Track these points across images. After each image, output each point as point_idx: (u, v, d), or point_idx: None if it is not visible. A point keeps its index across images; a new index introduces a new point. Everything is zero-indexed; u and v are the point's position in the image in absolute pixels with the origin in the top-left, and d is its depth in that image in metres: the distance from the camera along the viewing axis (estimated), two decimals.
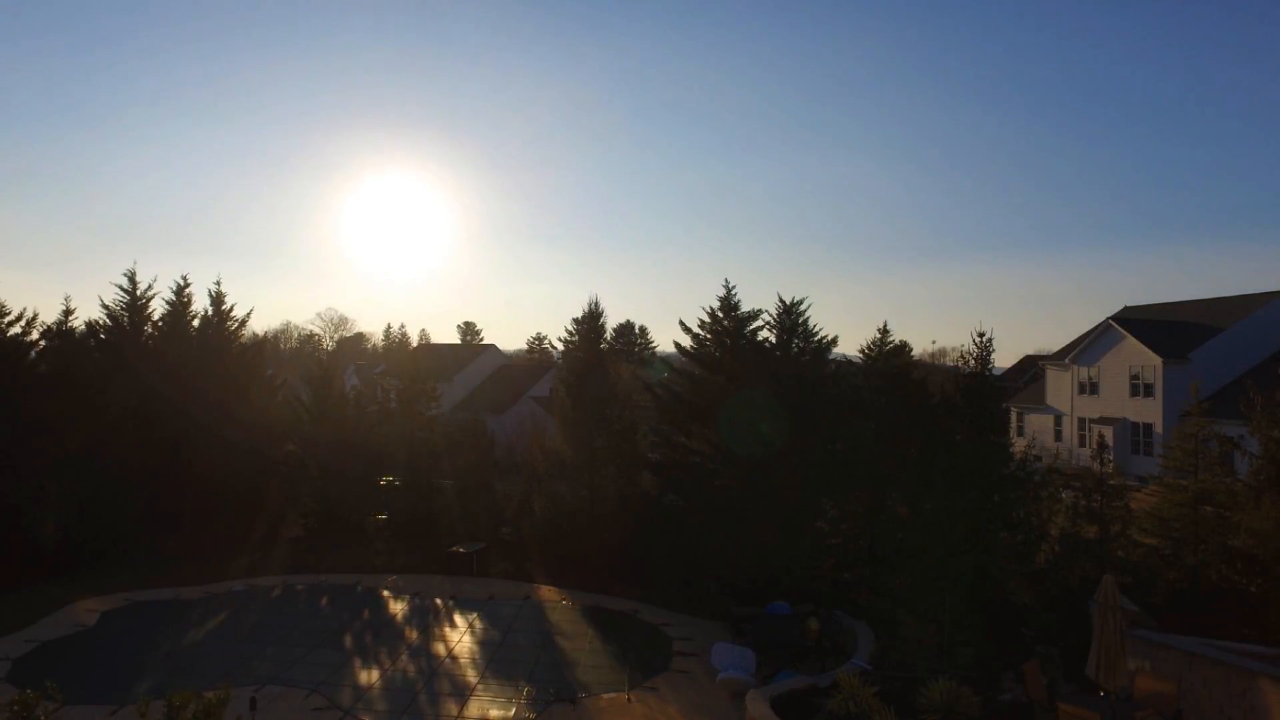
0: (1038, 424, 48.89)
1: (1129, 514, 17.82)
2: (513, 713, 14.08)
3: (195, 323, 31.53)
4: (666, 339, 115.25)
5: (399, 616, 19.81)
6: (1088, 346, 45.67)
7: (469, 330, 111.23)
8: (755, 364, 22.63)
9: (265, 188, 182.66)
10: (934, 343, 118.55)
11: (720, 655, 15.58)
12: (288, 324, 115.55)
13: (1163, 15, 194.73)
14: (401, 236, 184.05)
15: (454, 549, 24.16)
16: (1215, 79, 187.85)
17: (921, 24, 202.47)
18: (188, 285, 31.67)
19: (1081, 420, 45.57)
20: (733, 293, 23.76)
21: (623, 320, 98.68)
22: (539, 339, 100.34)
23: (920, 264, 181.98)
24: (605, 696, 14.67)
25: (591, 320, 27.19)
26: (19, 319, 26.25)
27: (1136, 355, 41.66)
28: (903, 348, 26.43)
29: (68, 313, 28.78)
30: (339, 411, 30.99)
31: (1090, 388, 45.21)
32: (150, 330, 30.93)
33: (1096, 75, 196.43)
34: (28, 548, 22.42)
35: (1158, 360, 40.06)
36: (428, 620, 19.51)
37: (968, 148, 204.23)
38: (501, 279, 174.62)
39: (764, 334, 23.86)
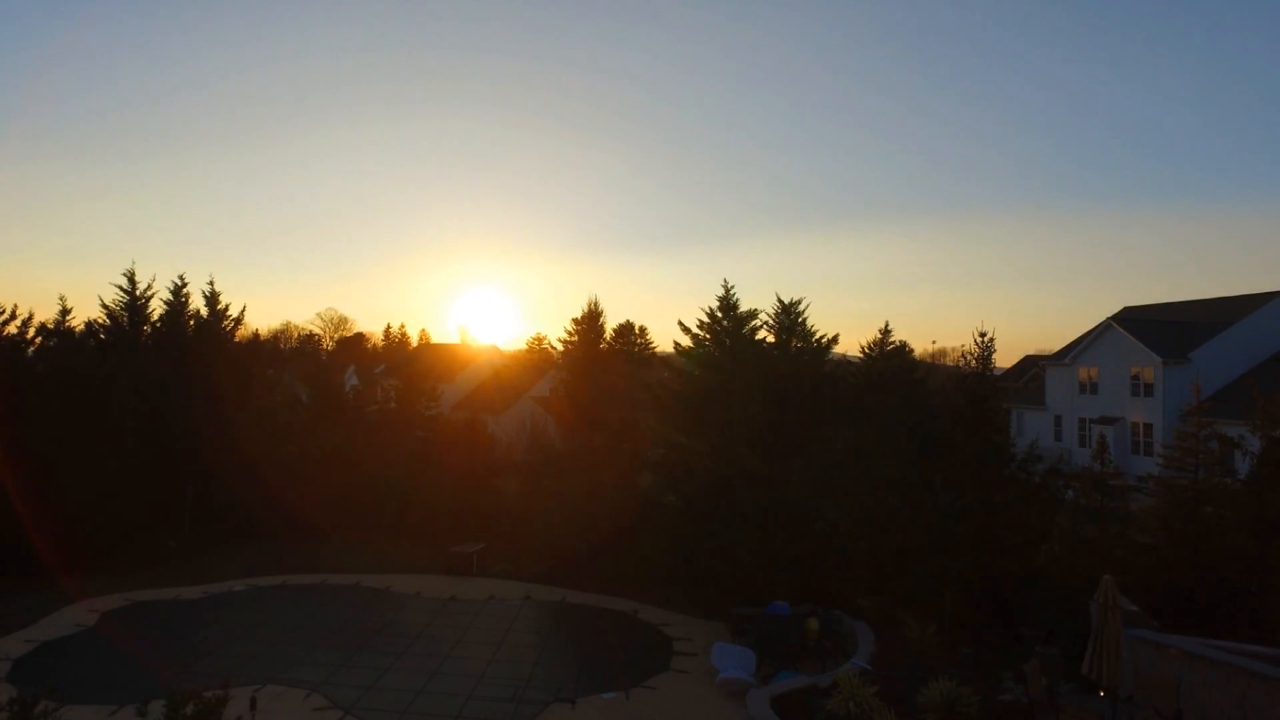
0: (1038, 424, 48.91)
1: (1129, 514, 17.84)
2: (512, 713, 14.07)
3: (193, 323, 31.62)
4: (667, 339, 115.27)
5: (399, 616, 19.80)
6: (1088, 346, 45.71)
7: (469, 330, 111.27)
8: (754, 364, 22.64)
9: (264, 186, 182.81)
10: (934, 342, 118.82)
11: (720, 655, 15.57)
12: (288, 324, 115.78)
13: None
14: (402, 236, 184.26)
15: (454, 549, 24.16)
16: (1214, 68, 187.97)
17: (922, 18, 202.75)
18: (185, 285, 31.77)
19: (1081, 420, 45.61)
20: (731, 293, 23.81)
21: (623, 320, 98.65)
22: (539, 339, 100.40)
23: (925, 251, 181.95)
24: (604, 697, 14.67)
25: (591, 320, 27.26)
26: (15, 318, 26.26)
27: (1137, 355, 41.70)
28: (903, 348, 26.51)
29: (64, 312, 28.83)
30: (339, 411, 31.04)
31: (1090, 388, 45.24)
32: (149, 330, 31.00)
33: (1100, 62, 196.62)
34: (28, 548, 22.41)
35: (1158, 360, 40.10)
36: (427, 620, 19.49)
37: (968, 133, 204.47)
38: (502, 279, 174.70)
39: (763, 334, 23.91)
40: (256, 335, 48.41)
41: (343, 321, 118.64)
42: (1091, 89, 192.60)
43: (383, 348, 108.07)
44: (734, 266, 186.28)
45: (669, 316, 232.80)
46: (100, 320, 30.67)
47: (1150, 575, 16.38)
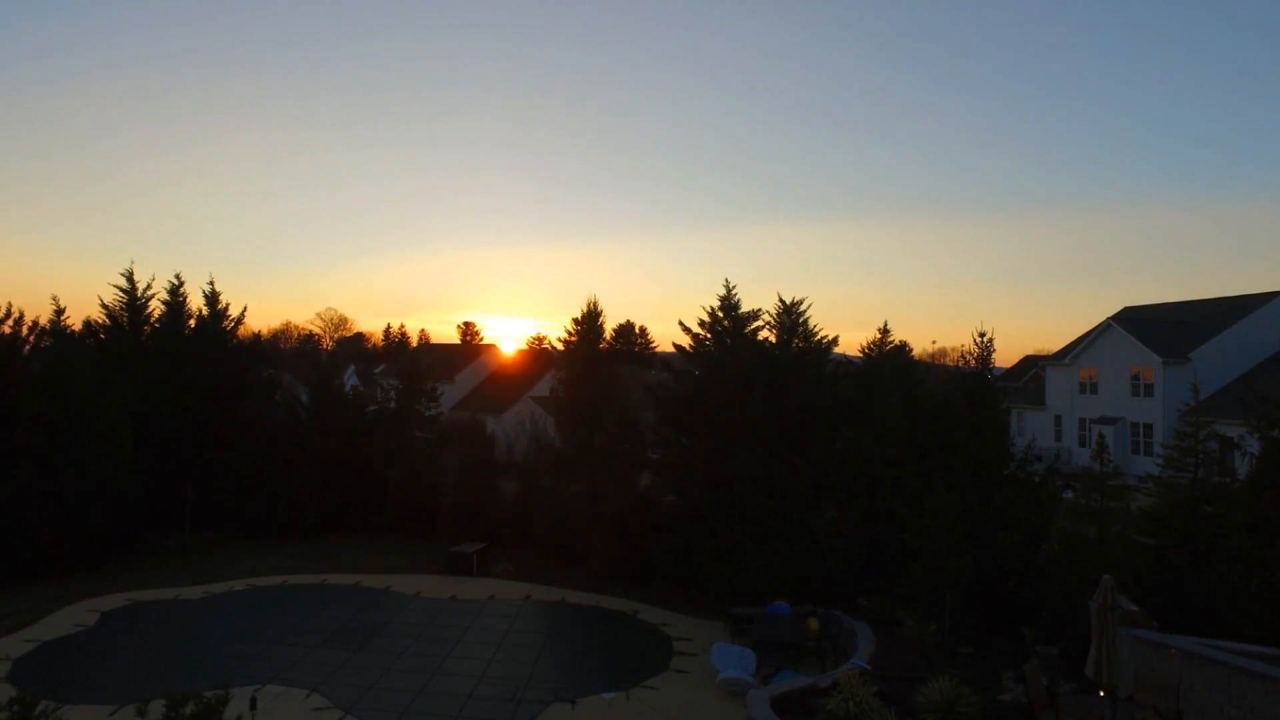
0: (1038, 424, 48.93)
1: (1129, 514, 17.82)
2: (512, 713, 14.08)
3: (192, 322, 31.66)
4: (667, 339, 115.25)
5: (399, 617, 19.80)
6: (1088, 346, 45.74)
7: (469, 330, 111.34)
8: (755, 364, 22.63)
9: (264, 185, 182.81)
10: (934, 342, 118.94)
11: (720, 655, 15.59)
12: (288, 324, 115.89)
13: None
14: (402, 236, 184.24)
15: (454, 549, 24.17)
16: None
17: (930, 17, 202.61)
18: (182, 284, 31.80)
19: (1081, 420, 45.63)
20: (732, 292, 23.77)
21: (623, 320, 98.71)
22: (539, 339, 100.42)
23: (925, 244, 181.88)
24: (604, 697, 14.68)
25: (591, 320, 27.20)
26: (9, 317, 26.25)
27: (1136, 355, 41.72)
28: (902, 347, 26.53)
29: (59, 311, 28.87)
30: (339, 411, 31.04)
31: (1090, 388, 45.27)
32: (148, 330, 31.03)
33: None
34: (28, 547, 22.42)
35: (1158, 360, 40.13)
36: (427, 620, 19.50)
37: (971, 122, 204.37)
38: (502, 279, 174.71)
39: (764, 334, 23.89)
40: (261, 336, 48.46)
41: (343, 321, 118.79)
42: (1092, 87, 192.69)
43: (383, 348, 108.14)
44: (730, 262, 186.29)
45: (669, 313, 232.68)
46: (100, 320, 30.70)
47: (1150, 575, 16.38)
